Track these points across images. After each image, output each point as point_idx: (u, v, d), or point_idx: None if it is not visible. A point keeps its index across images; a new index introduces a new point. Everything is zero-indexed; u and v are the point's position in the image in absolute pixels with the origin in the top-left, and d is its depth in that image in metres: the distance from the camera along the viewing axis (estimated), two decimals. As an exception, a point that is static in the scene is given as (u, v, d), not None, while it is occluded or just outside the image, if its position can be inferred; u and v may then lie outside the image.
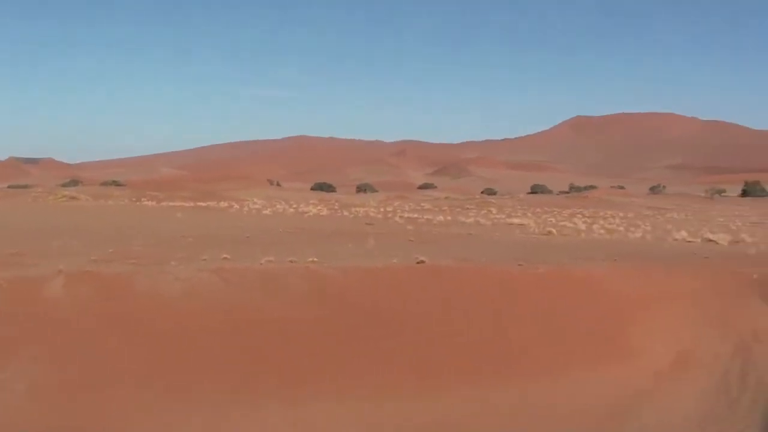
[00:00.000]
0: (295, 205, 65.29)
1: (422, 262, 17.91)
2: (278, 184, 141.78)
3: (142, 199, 72.03)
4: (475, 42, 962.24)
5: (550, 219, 48.91)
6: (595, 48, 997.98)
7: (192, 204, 63.62)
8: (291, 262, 17.56)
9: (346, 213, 55.25)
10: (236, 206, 61.40)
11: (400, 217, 48.82)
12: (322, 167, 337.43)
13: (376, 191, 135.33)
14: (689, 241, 30.46)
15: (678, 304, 16.11)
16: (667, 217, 57.63)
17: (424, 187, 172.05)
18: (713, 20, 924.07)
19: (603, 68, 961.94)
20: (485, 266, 17.93)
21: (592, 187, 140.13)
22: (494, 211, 62.06)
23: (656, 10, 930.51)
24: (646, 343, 14.89)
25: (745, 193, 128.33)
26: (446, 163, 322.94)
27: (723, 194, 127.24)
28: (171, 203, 64.67)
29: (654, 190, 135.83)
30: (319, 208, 62.32)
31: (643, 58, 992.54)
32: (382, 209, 62.83)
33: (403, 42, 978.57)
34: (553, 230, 35.45)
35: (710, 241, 30.50)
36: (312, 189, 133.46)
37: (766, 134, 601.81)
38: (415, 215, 51.53)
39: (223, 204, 65.40)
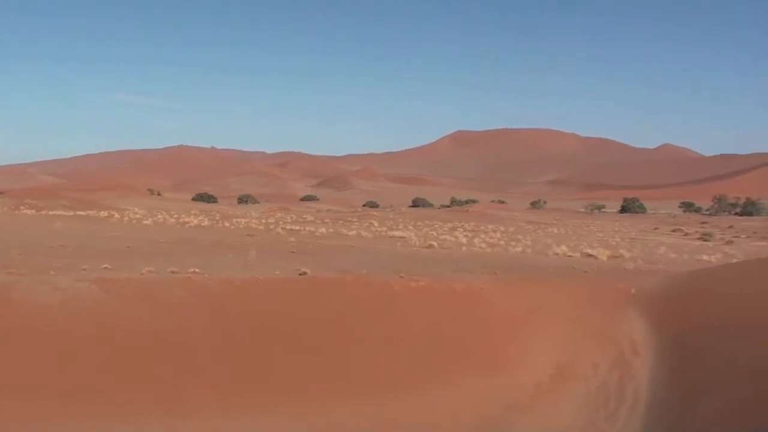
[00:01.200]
0: (176, 216, 64.23)
1: (304, 273, 17.73)
2: (159, 194, 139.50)
3: (21, 208, 69.61)
4: (358, 55, 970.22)
5: (431, 232, 49.20)
6: (476, 63, 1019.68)
7: (72, 213, 61.98)
8: (172, 272, 17.28)
9: (227, 224, 54.63)
10: (117, 216, 60.06)
11: (282, 228, 48.45)
12: (204, 178, 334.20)
13: (258, 203, 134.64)
14: (569, 256, 30.90)
15: (558, 317, 16.14)
16: (547, 232, 58.70)
17: (307, 199, 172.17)
18: (592, 39, 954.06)
19: (484, 83, 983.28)
20: (366, 278, 17.69)
21: (473, 201, 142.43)
22: (376, 223, 62.27)
23: (536, 28, 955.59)
24: (527, 356, 14.85)
25: (623, 209, 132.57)
26: (329, 176, 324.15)
27: (602, 210, 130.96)
28: (50, 212, 62.64)
29: (534, 204, 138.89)
30: (200, 218, 61.47)
31: (523, 75, 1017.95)
32: (263, 221, 62.36)
33: (285, 54, 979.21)
34: (435, 243, 35.56)
35: (590, 255, 31.00)
36: (193, 199, 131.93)
37: (645, 152, 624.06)
38: (297, 227, 51.22)
39: (104, 213, 63.93)
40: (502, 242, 40.41)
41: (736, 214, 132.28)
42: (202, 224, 53.11)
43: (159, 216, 62.56)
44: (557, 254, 31.78)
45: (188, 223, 54.00)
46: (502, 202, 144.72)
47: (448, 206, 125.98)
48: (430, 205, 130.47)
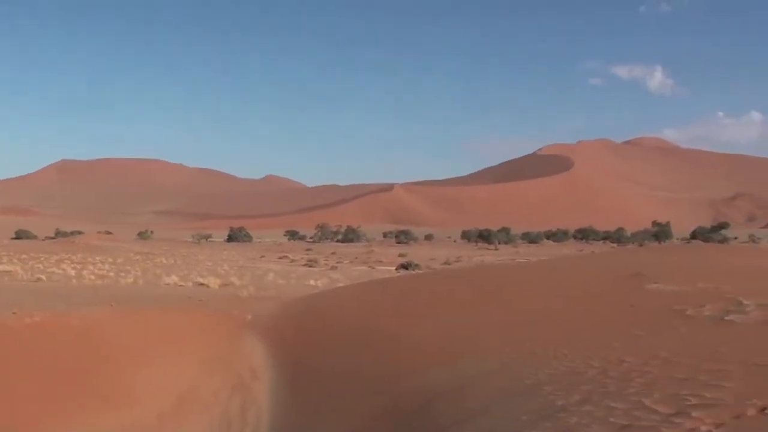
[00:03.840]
0: None
1: None
2: None
3: None
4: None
5: (38, 265, 46.79)
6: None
7: None
8: None
9: None
10: None
11: None
12: None
13: None
14: (181, 285, 31.02)
15: (178, 346, 16.25)
16: (156, 262, 58.14)
17: None
18: (182, 75, 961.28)
19: (90, 111, 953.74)
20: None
21: (79, 232, 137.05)
22: (-26, 259, 58.04)
23: (143, 61, 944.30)
24: (148, 387, 14.78)
25: (231, 238, 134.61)
26: None
27: (210, 239, 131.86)
28: None
29: (142, 235, 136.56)
30: None
31: (129, 106, 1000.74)
32: None
33: None
34: (43, 276, 34.09)
35: (202, 284, 31.36)
36: None
37: (251, 182, 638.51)
38: None
39: None
40: (111, 273, 39.58)
41: (338, 241, 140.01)
42: None
43: None
44: (168, 284, 31.78)
45: None
46: (110, 233, 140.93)
47: (53, 238, 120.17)
48: (34, 237, 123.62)
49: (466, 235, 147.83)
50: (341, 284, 32.41)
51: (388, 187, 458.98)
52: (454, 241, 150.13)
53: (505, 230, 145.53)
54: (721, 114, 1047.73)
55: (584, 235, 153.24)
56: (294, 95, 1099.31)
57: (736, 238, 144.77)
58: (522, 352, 9.96)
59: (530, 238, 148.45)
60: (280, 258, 77.23)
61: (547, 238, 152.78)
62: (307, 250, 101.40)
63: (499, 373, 9.28)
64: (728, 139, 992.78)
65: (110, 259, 58.98)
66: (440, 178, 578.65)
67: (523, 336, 10.95)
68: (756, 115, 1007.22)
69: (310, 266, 61.87)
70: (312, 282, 37.29)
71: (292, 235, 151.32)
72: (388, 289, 20.13)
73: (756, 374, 6.29)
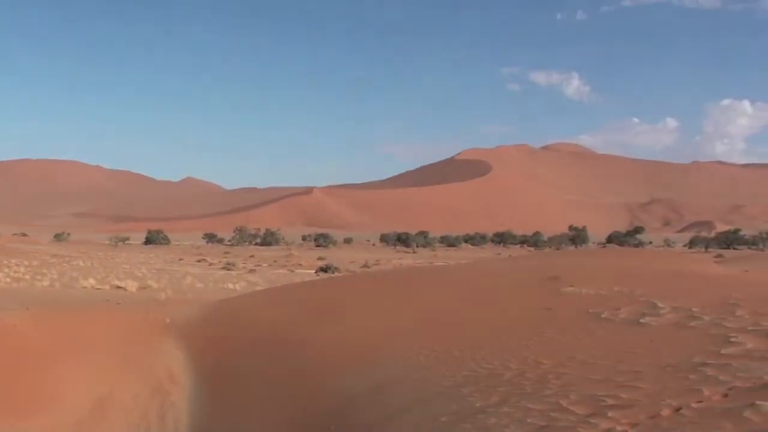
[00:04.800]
0: None
1: None
2: None
3: None
4: None
5: (-50, 269, 45.58)
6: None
7: None
8: None
9: None
10: None
11: None
12: None
13: None
14: (98, 288, 30.60)
15: (96, 350, 16.00)
16: (73, 265, 57.15)
17: None
18: (107, 74, 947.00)
19: (2, 112, 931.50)
20: None
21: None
22: None
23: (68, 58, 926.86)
24: (66, 392, 14.50)
25: (148, 241, 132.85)
26: None
27: (127, 242, 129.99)
28: None
29: (58, 237, 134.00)
30: None
31: (42, 101, 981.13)
32: None
33: None
34: (-44, 280, 33.24)
35: (119, 287, 30.97)
36: None
37: (170, 185, 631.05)
38: None
39: None
40: (27, 276, 38.78)
41: (257, 244, 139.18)
42: None
43: None
44: (86, 287, 31.30)
45: None
46: (25, 235, 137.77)
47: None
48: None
49: (385, 239, 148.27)
50: (260, 288, 32.32)
51: (308, 191, 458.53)
52: (373, 245, 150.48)
53: (423, 234, 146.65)
54: (636, 120, 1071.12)
55: (502, 239, 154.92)
56: (213, 97, 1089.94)
57: (651, 242, 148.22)
58: (440, 353, 10.06)
59: (449, 242, 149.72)
60: (199, 261, 76.59)
61: (466, 241, 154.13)
62: (226, 253, 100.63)
63: (418, 374, 9.37)
64: (643, 145, 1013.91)
65: (26, 262, 57.75)
66: (360, 182, 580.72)
67: (441, 338, 11.06)
68: (671, 122, 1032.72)
69: (229, 269, 61.46)
70: (230, 285, 37.08)
71: (211, 238, 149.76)
72: (307, 293, 20.14)
73: (670, 375, 6.47)
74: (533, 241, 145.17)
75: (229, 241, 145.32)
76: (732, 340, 7.60)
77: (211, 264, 70.61)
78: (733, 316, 8.97)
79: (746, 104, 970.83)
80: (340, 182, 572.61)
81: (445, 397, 7.75)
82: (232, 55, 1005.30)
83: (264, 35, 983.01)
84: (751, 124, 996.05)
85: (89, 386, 14.64)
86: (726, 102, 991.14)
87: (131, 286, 31.61)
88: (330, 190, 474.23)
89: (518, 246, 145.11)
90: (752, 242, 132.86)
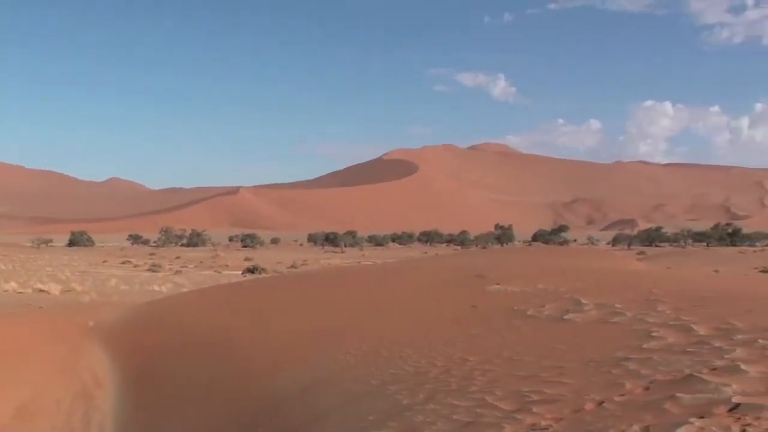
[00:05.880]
0: None
1: None
2: None
3: None
4: None
5: None
6: None
7: None
8: None
9: None
10: None
11: None
12: None
13: None
14: (20, 292, 30.03)
15: (18, 354, 15.70)
16: (-7, 268, 55.87)
17: None
18: (34, 70, 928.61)
19: None
20: None
21: None
22: None
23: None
24: (-15, 399, 14.19)
25: (72, 243, 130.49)
26: None
27: (50, 244, 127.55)
28: None
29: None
30: None
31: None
32: None
33: None
34: None
35: (42, 291, 30.41)
36: None
37: (94, 185, 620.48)
38: None
39: None
40: (-56, 281, 37.79)
41: (183, 245, 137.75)
42: None
43: None
44: (7, 291, 30.65)
45: None
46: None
47: None
48: None
49: (312, 239, 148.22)
50: (186, 289, 32.00)
51: (234, 191, 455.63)
52: (301, 245, 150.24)
53: (351, 233, 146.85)
54: (561, 121, 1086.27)
55: (429, 238, 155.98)
56: (136, 96, 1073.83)
57: (575, 240, 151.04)
58: (367, 353, 10.10)
59: (376, 241, 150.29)
60: (123, 263, 75.48)
61: (393, 240, 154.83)
62: (151, 254, 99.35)
63: (346, 374, 9.39)
64: (568, 145, 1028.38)
65: (-58, 266, 56.36)
66: (287, 182, 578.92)
67: (368, 337, 11.09)
68: (594, 123, 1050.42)
69: (154, 271, 60.72)
70: (156, 287, 36.61)
71: (136, 239, 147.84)
72: (234, 294, 20.03)
73: (593, 370, 6.59)
74: (460, 239, 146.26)
75: (154, 242, 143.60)
76: (654, 334, 7.77)
77: (136, 266, 69.63)
78: (654, 311, 9.17)
79: (668, 106, 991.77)
80: (267, 182, 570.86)
81: (372, 396, 7.77)
82: (156, 50, 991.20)
83: (178, 29, 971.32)
84: (672, 125, 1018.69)
85: (11, 392, 14.34)
86: (648, 103, 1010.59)
87: (54, 289, 31.04)
88: (257, 190, 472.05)
89: (445, 245, 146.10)
90: (673, 240, 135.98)
